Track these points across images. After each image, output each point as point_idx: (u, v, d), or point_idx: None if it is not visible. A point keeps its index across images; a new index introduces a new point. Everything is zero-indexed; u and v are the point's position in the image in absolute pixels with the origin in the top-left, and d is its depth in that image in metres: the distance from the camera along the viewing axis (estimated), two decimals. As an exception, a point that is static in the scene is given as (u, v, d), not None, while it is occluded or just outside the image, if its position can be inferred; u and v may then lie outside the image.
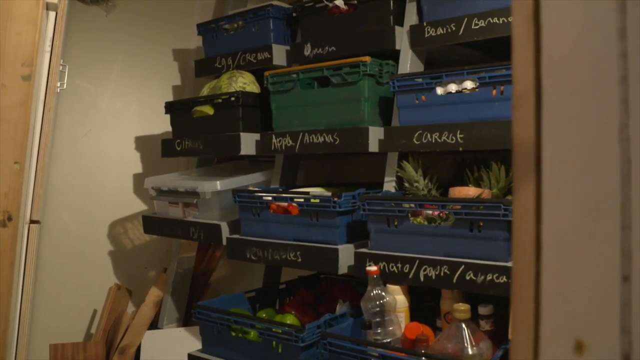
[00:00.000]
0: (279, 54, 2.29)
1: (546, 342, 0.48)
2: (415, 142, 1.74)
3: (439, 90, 1.72)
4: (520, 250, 0.51)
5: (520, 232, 0.51)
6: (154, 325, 2.69)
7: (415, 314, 1.73)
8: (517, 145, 0.53)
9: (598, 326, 0.46)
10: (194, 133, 2.38)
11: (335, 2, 2.07)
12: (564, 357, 0.48)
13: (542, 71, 0.52)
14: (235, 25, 2.44)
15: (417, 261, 1.60)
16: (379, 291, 1.61)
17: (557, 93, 0.50)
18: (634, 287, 0.44)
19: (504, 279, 1.44)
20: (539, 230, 0.49)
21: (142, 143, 2.93)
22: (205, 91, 2.43)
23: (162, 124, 2.82)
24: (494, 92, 1.63)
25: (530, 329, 0.50)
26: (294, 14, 2.28)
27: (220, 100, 2.25)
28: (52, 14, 1.94)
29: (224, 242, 2.13)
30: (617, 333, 0.45)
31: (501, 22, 1.70)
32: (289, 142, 2.04)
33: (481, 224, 1.51)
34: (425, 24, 1.86)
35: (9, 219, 1.67)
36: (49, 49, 1.96)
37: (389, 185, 1.87)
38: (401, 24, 1.96)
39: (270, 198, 1.95)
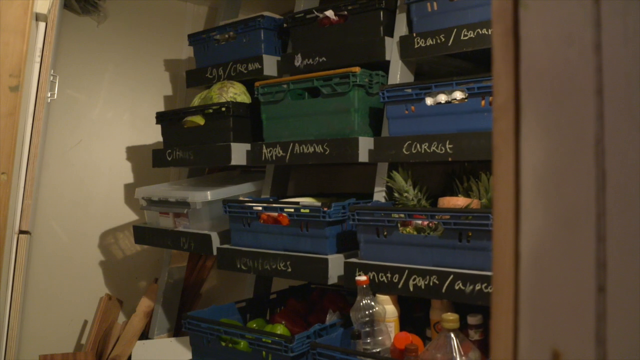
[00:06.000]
0: (270, 65, 2.30)
1: (524, 352, 0.49)
2: (405, 152, 1.75)
3: (429, 101, 1.73)
4: (499, 261, 0.52)
5: (499, 243, 0.52)
6: (144, 335, 2.68)
7: (405, 323, 1.73)
8: (496, 157, 0.54)
9: (574, 336, 0.46)
10: (185, 143, 2.38)
11: (326, 13, 2.09)
12: (542, 368, 0.48)
13: (520, 84, 0.53)
14: (227, 35, 2.45)
15: (407, 271, 1.60)
16: (369, 301, 1.61)
17: (535, 106, 0.51)
18: (609, 298, 0.45)
19: (493, 288, 1.44)
20: (517, 241, 0.50)
21: (133, 153, 2.93)
22: (196, 101, 2.44)
23: (153, 134, 2.82)
24: (483, 102, 1.64)
25: (510, 339, 0.50)
26: (285, 25, 2.29)
27: (211, 111, 2.25)
28: (42, 25, 1.94)
29: (215, 252, 2.13)
30: (593, 343, 0.45)
31: (490, 33, 1.71)
32: (279, 153, 2.04)
33: (470, 233, 1.52)
34: (414, 35, 1.87)
35: (-4, 229, 1.67)
36: (39, 59, 1.96)
37: (379, 196, 1.88)
38: (391, 35, 1.97)
39: (260, 208, 1.95)
